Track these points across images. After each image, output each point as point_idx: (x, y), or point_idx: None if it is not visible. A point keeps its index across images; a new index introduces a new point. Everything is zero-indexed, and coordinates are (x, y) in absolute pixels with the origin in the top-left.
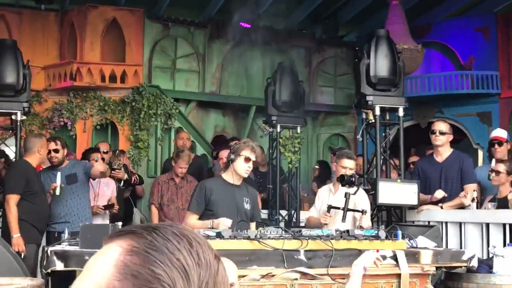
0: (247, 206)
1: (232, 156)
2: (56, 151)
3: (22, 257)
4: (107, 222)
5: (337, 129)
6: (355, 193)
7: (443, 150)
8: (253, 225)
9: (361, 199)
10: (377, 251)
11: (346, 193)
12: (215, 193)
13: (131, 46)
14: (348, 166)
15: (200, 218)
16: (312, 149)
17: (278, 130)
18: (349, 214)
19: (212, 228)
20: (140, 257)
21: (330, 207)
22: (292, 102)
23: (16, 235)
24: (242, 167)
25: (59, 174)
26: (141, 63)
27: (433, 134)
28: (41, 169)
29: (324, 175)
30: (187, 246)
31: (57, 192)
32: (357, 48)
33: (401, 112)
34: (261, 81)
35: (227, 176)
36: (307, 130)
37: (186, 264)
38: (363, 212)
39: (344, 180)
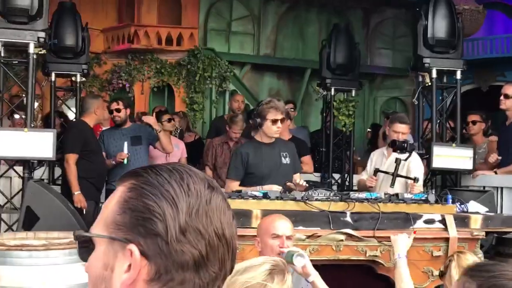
0: (286, 161)
1: (259, 120)
2: (118, 110)
3: (84, 213)
4: None
5: (394, 92)
6: (406, 159)
7: (510, 114)
8: (297, 176)
9: (414, 165)
10: (414, 232)
11: (396, 159)
12: (251, 156)
13: (187, 9)
14: (400, 130)
15: (241, 184)
16: (369, 113)
17: (333, 93)
18: (400, 180)
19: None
20: (136, 192)
21: (377, 171)
22: (347, 65)
23: (77, 192)
24: (272, 130)
25: (126, 144)
26: (196, 26)
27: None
28: (104, 129)
29: (376, 139)
30: (178, 178)
31: (125, 162)
32: (417, 9)
33: (458, 75)
34: (317, 43)
35: (259, 137)
36: (364, 93)
37: (175, 194)
38: (415, 179)
39: (396, 145)
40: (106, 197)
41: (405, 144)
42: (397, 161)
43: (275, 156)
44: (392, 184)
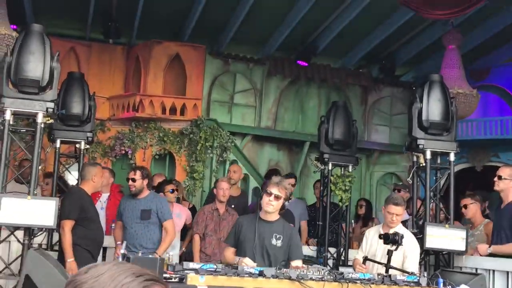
0: (275, 242)
1: (261, 193)
2: (134, 180)
3: None
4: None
5: (390, 168)
6: (396, 249)
7: (504, 196)
8: (296, 263)
9: (410, 249)
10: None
11: (389, 251)
12: (243, 228)
13: (192, 81)
14: (394, 212)
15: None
16: (365, 187)
17: (330, 168)
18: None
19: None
20: None
21: (365, 259)
22: (345, 141)
23: (70, 260)
24: (264, 201)
25: (124, 244)
26: (200, 97)
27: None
28: (123, 196)
29: (368, 215)
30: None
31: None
32: (413, 88)
33: (452, 157)
34: (316, 117)
35: (262, 212)
36: (360, 167)
37: None
38: (410, 274)
39: (389, 240)
40: None
41: (397, 237)
42: (389, 253)
43: (266, 234)
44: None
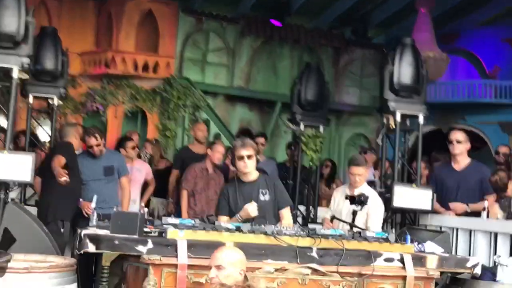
0: (264, 198)
1: (232, 161)
2: (98, 145)
3: (62, 232)
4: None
5: (359, 129)
6: (361, 209)
7: (461, 159)
8: (285, 211)
9: (373, 210)
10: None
11: (354, 211)
12: (231, 196)
13: (164, 38)
14: (356, 172)
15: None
16: (334, 147)
17: (302, 128)
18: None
19: (242, 218)
20: None
21: (333, 218)
22: (317, 102)
23: (63, 178)
24: (239, 166)
25: (95, 197)
26: (173, 55)
27: (451, 144)
28: (78, 153)
29: (332, 175)
30: None
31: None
32: (384, 51)
33: (421, 120)
34: (288, 78)
35: (240, 175)
36: (330, 128)
37: None
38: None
39: (355, 201)
40: (75, 221)
41: (362, 198)
42: (354, 213)
43: (252, 194)
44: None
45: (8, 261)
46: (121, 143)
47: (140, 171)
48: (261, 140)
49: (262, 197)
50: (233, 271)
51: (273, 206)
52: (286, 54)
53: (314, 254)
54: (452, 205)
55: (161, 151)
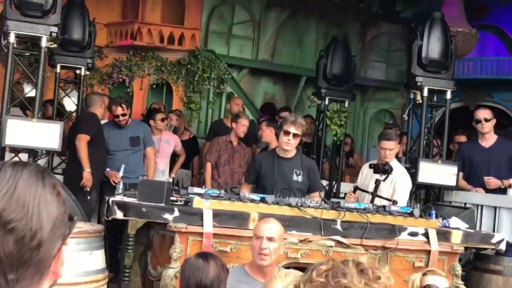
0: (297, 178)
1: (278, 131)
2: (124, 115)
3: (88, 198)
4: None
5: (385, 105)
6: (384, 180)
7: (489, 136)
8: (314, 195)
9: (400, 184)
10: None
11: (376, 180)
12: (263, 166)
13: (190, 10)
14: (387, 147)
15: (255, 188)
16: (359, 123)
17: (326, 102)
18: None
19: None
20: None
21: (356, 189)
22: (343, 76)
23: (88, 170)
24: (282, 140)
25: (123, 167)
26: (198, 27)
27: (479, 123)
28: (103, 123)
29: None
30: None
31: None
32: (412, 25)
33: (449, 95)
34: (314, 52)
35: (279, 149)
36: (355, 103)
37: None
38: (393, 202)
39: (379, 169)
40: (101, 190)
41: (386, 167)
42: (377, 182)
43: (287, 171)
44: (372, 203)
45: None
46: (150, 114)
47: (168, 143)
48: (285, 114)
49: (295, 177)
50: (280, 244)
51: (304, 188)
52: (312, 28)
53: (338, 226)
54: (488, 179)
55: (185, 123)
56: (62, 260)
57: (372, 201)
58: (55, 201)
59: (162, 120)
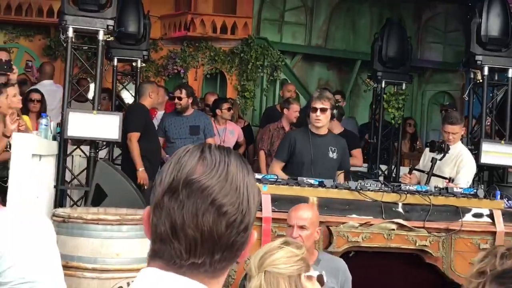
0: (332, 155)
1: (308, 110)
2: (180, 98)
3: (144, 190)
4: None
5: (443, 87)
6: (441, 159)
7: None
8: (341, 175)
9: (464, 163)
10: None
11: (433, 158)
12: (298, 142)
13: None
14: (450, 131)
15: (285, 166)
16: (417, 106)
17: (383, 85)
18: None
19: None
20: None
21: (411, 169)
22: (399, 58)
23: (141, 169)
24: (312, 117)
25: None
26: (250, 15)
27: None
28: (167, 113)
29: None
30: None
31: None
32: (469, 4)
33: (510, 73)
34: (368, 35)
35: (311, 126)
36: (412, 86)
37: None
38: (450, 179)
39: (435, 147)
40: None
41: (443, 145)
42: (433, 161)
43: (322, 148)
44: (427, 182)
45: None
46: (216, 104)
47: (232, 133)
48: (337, 97)
49: (330, 154)
50: (314, 231)
51: (337, 165)
52: (365, 11)
53: (400, 209)
54: None
55: (239, 112)
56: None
57: (428, 180)
58: (256, 186)
59: (228, 109)
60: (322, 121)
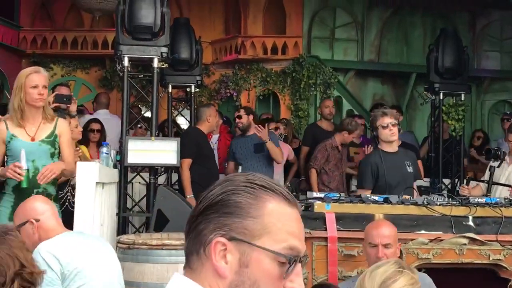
0: (410, 169)
1: (374, 133)
2: (239, 117)
3: None
4: None
5: (503, 95)
6: (499, 166)
7: None
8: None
9: None
10: None
11: (490, 167)
12: (380, 166)
13: (291, 18)
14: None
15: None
16: (476, 117)
17: (441, 97)
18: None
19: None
20: None
21: (469, 179)
22: (456, 68)
23: (189, 196)
24: (386, 134)
25: (239, 168)
26: (300, 35)
27: None
28: (234, 138)
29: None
30: None
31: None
32: None
33: None
34: (421, 47)
35: (384, 146)
36: (471, 97)
37: None
38: None
39: (491, 154)
40: None
41: (499, 152)
42: (491, 169)
43: (401, 165)
44: (488, 192)
45: None
46: (262, 124)
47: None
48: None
49: (408, 169)
50: (396, 247)
51: (413, 179)
52: (417, 23)
53: (470, 223)
54: None
55: (293, 131)
56: None
57: (488, 189)
58: None
59: (276, 129)
60: (396, 133)
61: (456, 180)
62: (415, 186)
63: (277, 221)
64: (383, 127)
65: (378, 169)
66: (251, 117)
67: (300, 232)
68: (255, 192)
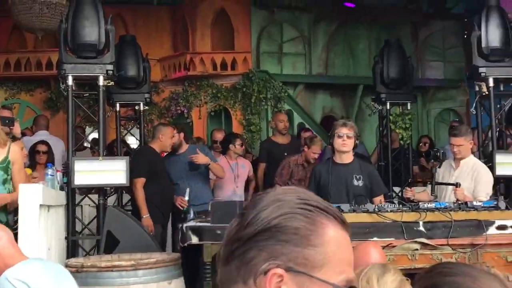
0: (358, 183)
1: (330, 140)
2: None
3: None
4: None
5: (447, 104)
6: (439, 167)
7: None
8: (377, 199)
9: (481, 176)
10: None
11: (432, 168)
12: (323, 176)
13: (239, 34)
14: (455, 143)
15: None
16: (423, 125)
17: (388, 107)
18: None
19: None
20: None
21: (410, 182)
22: (401, 78)
23: (145, 216)
24: (338, 144)
25: (187, 190)
26: (249, 50)
27: None
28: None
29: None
30: None
31: (185, 209)
32: (465, 20)
33: None
34: (367, 59)
35: (336, 157)
36: (417, 106)
37: None
38: (456, 185)
39: (430, 156)
40: (173, 221)
41: (438, 153)
42: (434, 170)
43: (347, 177)
44: (433, 192)
45: None
46: (229, 140)
47: (244, 167)
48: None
49: (355, 182)
50: None
51: (365, 193)
52: (362, 35)
53: (421, 228)
54: None
55: (246, 146)
56: None
57: (432, 190)
58: None
59: (241, 145)
60: (349, 146)
61: (406, 187)
62: (380, 197)
63: (337, 249)
64: (339, 136)
65: (321, 178)
66: (181, 135)
67: (352, 260)
68: (312, 215)
